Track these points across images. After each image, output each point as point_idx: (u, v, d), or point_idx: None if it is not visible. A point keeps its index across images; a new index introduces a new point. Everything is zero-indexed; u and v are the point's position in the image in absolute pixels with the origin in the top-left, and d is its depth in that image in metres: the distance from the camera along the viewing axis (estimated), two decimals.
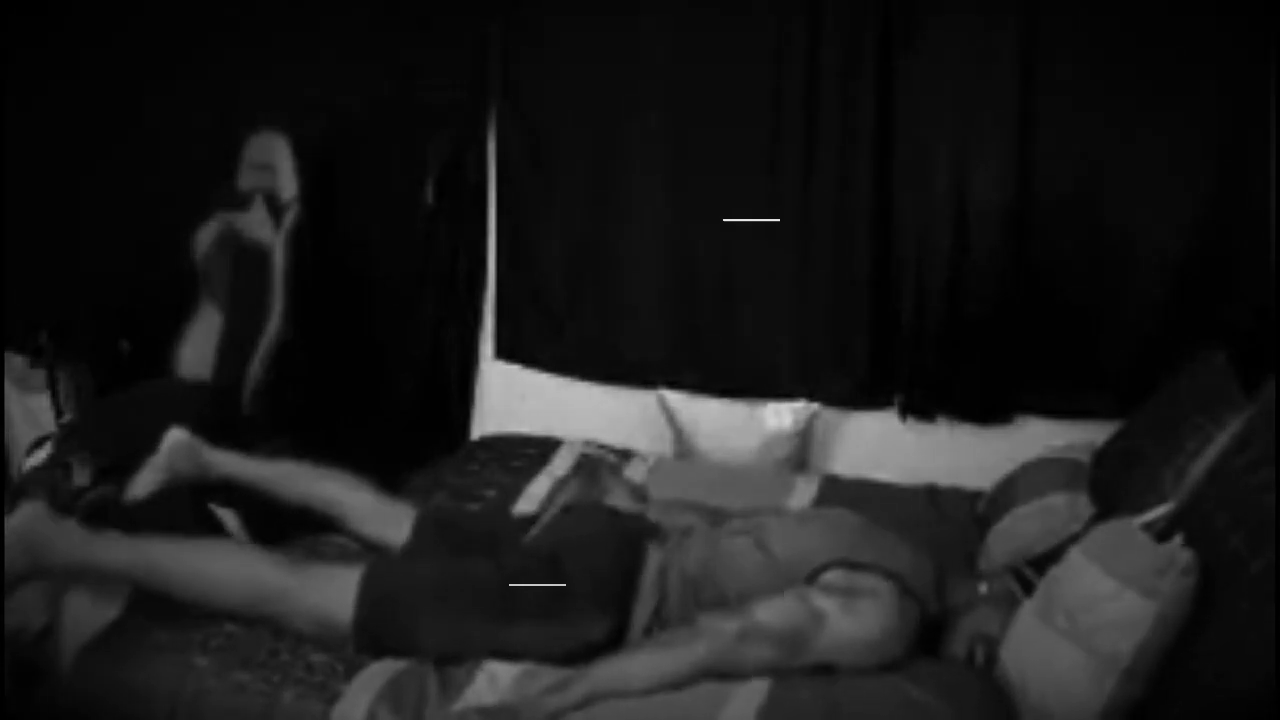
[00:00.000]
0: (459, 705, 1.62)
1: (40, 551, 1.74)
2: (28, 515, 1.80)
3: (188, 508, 2.20)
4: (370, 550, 2.05)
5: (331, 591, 1.74)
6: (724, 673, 1.64)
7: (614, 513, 2.08)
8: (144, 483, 2.10)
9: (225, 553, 1.82)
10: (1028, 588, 1.75)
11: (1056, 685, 1.54)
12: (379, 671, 1.67)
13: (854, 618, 1.65)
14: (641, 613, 1.81)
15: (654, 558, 1.89)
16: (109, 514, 2.13)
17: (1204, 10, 2.38)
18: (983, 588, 1.85)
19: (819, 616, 1.64)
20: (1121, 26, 2.45)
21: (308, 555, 1.96)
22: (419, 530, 2.03)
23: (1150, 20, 2.42)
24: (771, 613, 1.66)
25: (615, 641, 1.76)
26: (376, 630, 1.72)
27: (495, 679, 1.68)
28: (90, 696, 1.67)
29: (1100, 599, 1.51)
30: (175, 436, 2.14)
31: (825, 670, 1.67)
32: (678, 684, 1.62)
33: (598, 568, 1.83)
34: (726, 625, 1.66)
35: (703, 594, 1.81)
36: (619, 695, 1.60)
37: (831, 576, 1.73)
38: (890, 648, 1.66)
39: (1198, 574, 1.47)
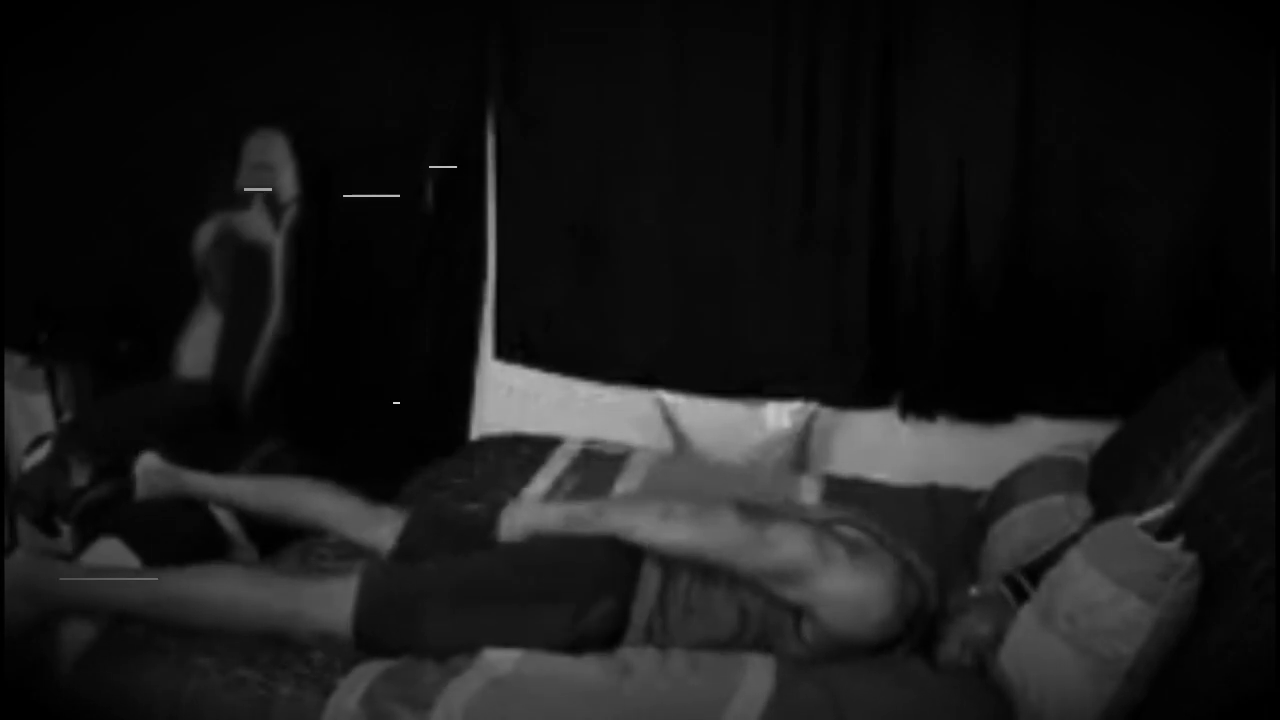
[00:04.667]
0: (458, 681, 1.63)
1: (41, 597, 1.75)
2: (23, 562, 1.82)
3: (187, 508, 2.21)
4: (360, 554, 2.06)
5: (332, 606, 1.74)
6: (716, 569, 1.73)
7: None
8: None
9: (225, 580, 1.79)
10: (1020, 595, 1.75)
11: (1057, 687, 1.54)
12: (377, 665, 1.68)
13: (855, 574, 1.65)
14: (647, 592, 1.81)
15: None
16: (107, 516, 2.14)
17: (1203, 12, 2.38)
18: (974, 590, 1.86)
19: (827, 559, 1.66)
20: (1121, 28, 2.45)
21: (304, 570, 1.96)
22: (409, 531, 2.03)
23: (1149, 22, 2.42)
24: (784, 535, 1.69)
25: (621, 622, 1.78)
26: (377, 635, 1.73)
27: (499, 660, 1.70)
28: (91, 696, 1.67)
29: (1101, 603, 1.51)
30: (145, 462, 2.16)
31: (828, 660, 1.69)
32: (679, 555, 1.74)
33: (599, 547, 1.85)
34: (743, 530, 1.70)
35: (711, 572, 1.82)
36: (628, 537, 1.77)
37: (846, 529, 1.75)
38: (877, 618, 1.66)
39: (1200, 577, 1.47)
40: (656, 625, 1.80)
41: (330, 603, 1.73)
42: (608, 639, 1.78)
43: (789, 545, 1.67)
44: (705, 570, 1.82)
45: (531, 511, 1.98)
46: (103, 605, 1.74)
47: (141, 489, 2.16)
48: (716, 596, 1.79)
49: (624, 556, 1.85)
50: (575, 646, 1.74)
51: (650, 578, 1.83)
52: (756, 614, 1.76)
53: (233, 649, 1.71)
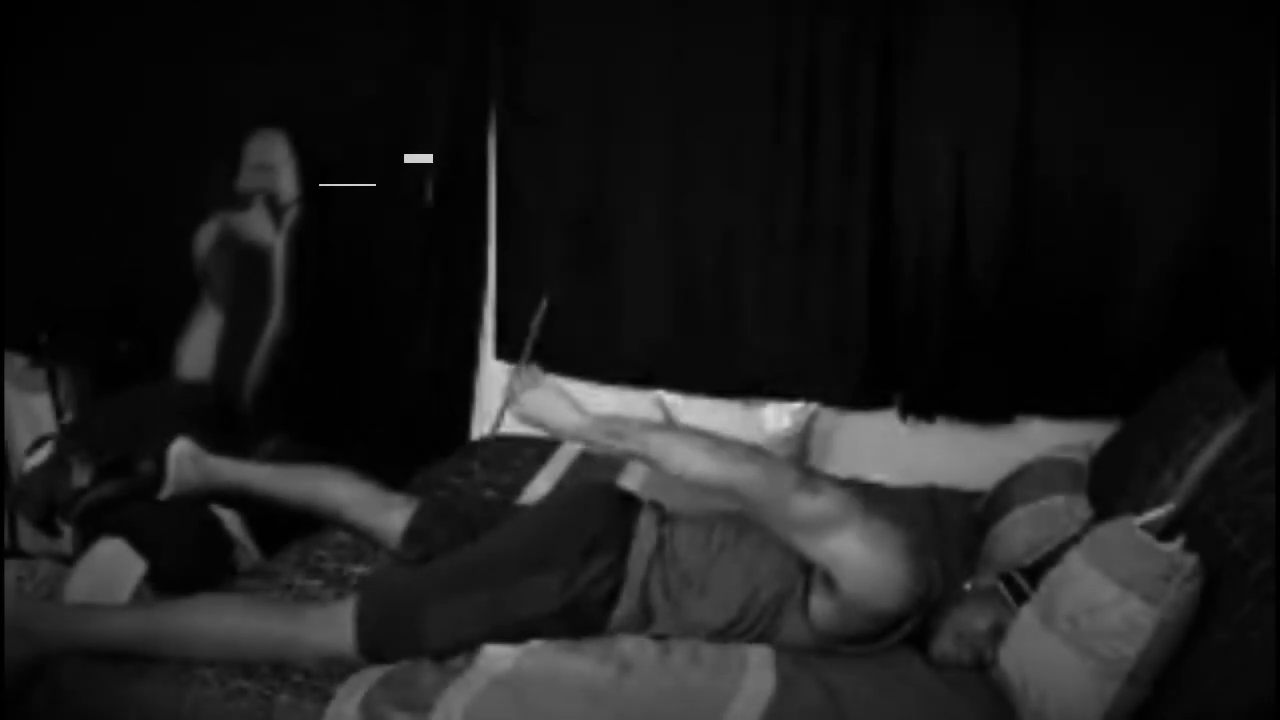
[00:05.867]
0: (458, 682, 1.63)
1: (36, 639, 1.72)
2: (15, 604, 1.81)
3: (188, 507, 2.21)
4: (372, 540, 2.09)
5: (333, 628, 1.74)
6: (747, 505, 1.69)
7: (607, 482, 2.13)
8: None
9: (223, 612, 1.76)
10: (1019, 595, 1.75)
11: (1058, 689, 1.54)
12: (375, 670, 1.69)
13: (889, 535, 1.65)
14: (643, 545, 1.83)
15: (650, 506, 1.94)
16: (109, 517, 2.14)
17: (1203, 12, 2.38)
18: (968, 585, 1.87)
19: (867, 515, 1.65)
20: (1121, 27, 2.45)
21: (300, 592, 1.96)
22: (420, 514, 2.05)
23: (1150, 22, 2.43)
24: (827, 485, 1.68)
25: (618, 576, 1.79)
26: (382, 646, 1.73)
27: (498, 657, 1.70)
28: (91, 706, 1.66)
29: (1103, 604, 1.51)
30: (179, 447, 2.17)
31: (829, 642, 1.71)
32: (709, 486, 1.67)
33: (588, 511, 1.87)
34: (791, 472, 1.69)
35: (715, 533, 1.83)
36: (667, 466, 1.69)
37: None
38: (897, 584, 1.64)
39: (1201, 578, 1.47)
40: (655, 581, 1.80)
41: (331, 626, 1.74)
42: (604, 600, 1.79)
43: (832, 494, 1.66)
44: (709, 529, 1.84)
45: (560, 406, 1.83)
46: (100, 643, 1.71)
47: (172, 474, 2.16)
48: (723, 559, 1.80)
49: (618, 509, 1.87)
50: (570, 610, 1.75)
51: (647, 532, 1.85)
52: (763, 579, 1.76)
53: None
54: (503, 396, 1.88)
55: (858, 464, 2.76)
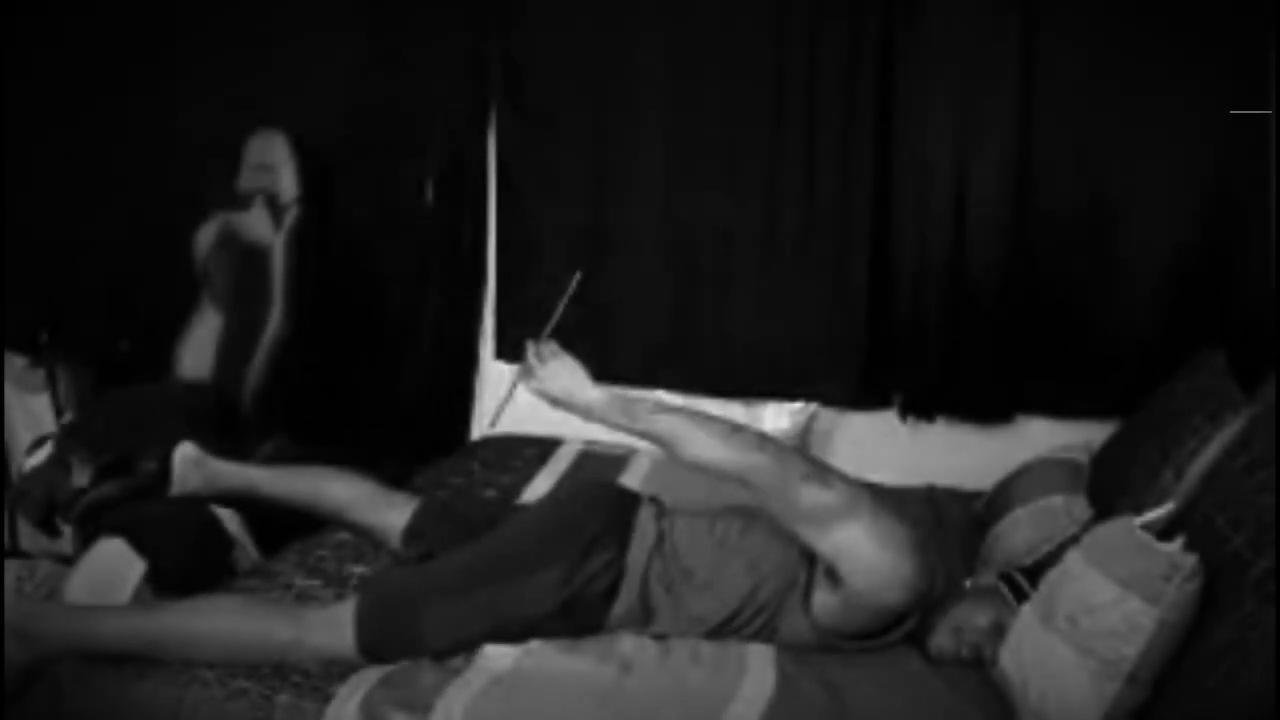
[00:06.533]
0: (457, 682, 1.63)
1: (36, 640, 1.71)
2: (15, 604, 1.80)
3: (188, 507, 2.21)
4: (373, 539, 2.09)
5: (334, 630, 1.74)
6: (756, 493, 1.69)
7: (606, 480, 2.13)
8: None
9: (223, 614, 1.75)
10: (1019, 594, 1.75)
11: (1058, 689, 1.54)
12: (375, 670, 1.69)
13: (896, 529, 1.65)
14: (643, 541, 1.83)
15: (649, 501, 1.95)
16: (109, 517, 2.14)
17: (1204, 10, 2.38)
18: (968, 582, 1.88)
19: (876, 508, 1.65)
20: (1121, 27, 2.45)
21: (299, 592, 1.96)
22: (421, 512, 2.06)
23: (1150, 21, 2.43)
24: (840, 478, 1.68)
25: (617, 570, 1.79)
26: (382, 647, 1.73)
27: (498, 657, 1.71)
28: (91, 706, 1.66)
29: (1103, 604, 1.51)
30: (183, 452, 2.17)
31: (830, 639, 1.71)
32: (724, 473, 1.68)
33: (587, 509, 1.88)
34: (804, 463, 1.69)
35: (716, 527, 1.84)
36: (679, 449, 1.69)
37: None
38: (902, 577, 1.64)
39: (1201, 579, 1.47)
40: (655, 576, 1.81)
41: (331, 626, 1.73)
42: (604, 595, 1.79)
43: (841, 487, 1.66)
44: (710, 524, 1.84)
45: (579, 380, 1.78)
46: (99, 646, 1.71)
47: (177, 478, 2.18)
48: (724, 553, 1.80)
49: (617, 505, 1.88)
50: (570, 606, 1.75)
51: (646, 526, 1.86)
52: (766, 574, 1.76)
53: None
54: (516, 372, 1.83)
55: (858, 464, 2.73)
